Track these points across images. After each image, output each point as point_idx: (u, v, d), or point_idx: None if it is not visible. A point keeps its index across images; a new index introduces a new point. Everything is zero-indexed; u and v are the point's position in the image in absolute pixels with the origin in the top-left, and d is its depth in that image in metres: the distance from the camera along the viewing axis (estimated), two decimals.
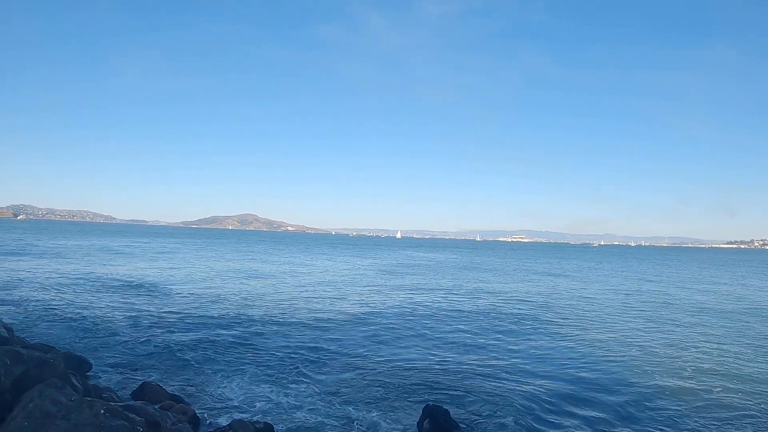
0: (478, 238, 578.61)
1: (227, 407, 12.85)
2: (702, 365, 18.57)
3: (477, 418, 12.85)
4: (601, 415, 13.28)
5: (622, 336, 23.72)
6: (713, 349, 21.54)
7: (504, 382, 15.69)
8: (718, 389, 15.63)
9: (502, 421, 12.63)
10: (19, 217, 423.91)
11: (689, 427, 12.68)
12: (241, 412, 12.42)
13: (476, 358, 18.70)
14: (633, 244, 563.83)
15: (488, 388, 14.90)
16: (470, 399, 14.07)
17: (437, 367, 17.26)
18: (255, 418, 11.71)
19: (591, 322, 27.31)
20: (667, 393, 15.12)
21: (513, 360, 18.57)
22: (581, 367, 17.78)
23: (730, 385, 16.04)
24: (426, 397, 14.04)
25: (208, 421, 11.83)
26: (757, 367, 18.49)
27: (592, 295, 40.75)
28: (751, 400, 14.66)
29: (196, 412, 11.78)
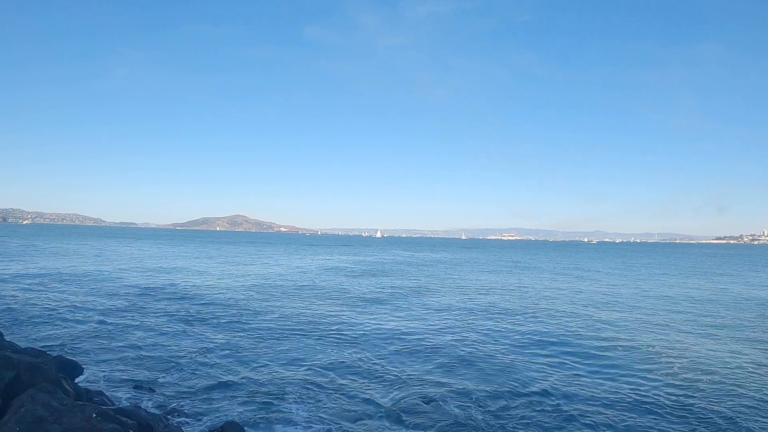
0: (463, 237, 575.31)
1: (221, 408, 12.89)
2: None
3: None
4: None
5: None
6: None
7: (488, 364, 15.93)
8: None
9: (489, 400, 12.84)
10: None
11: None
12: (235, 414, 12.47)
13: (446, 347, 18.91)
14: (619, 241, 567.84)
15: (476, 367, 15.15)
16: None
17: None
18: (247, 421, 11.77)
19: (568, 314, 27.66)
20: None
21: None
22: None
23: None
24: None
25: (201, 423, 11.86)
26: None
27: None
28: None
29: (189, 415, 11.79)
